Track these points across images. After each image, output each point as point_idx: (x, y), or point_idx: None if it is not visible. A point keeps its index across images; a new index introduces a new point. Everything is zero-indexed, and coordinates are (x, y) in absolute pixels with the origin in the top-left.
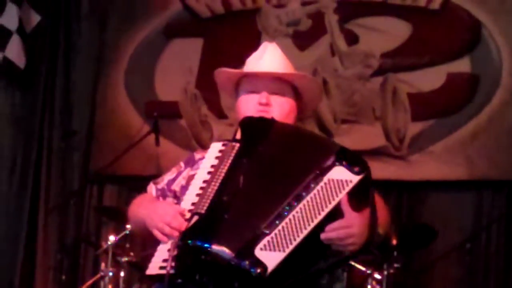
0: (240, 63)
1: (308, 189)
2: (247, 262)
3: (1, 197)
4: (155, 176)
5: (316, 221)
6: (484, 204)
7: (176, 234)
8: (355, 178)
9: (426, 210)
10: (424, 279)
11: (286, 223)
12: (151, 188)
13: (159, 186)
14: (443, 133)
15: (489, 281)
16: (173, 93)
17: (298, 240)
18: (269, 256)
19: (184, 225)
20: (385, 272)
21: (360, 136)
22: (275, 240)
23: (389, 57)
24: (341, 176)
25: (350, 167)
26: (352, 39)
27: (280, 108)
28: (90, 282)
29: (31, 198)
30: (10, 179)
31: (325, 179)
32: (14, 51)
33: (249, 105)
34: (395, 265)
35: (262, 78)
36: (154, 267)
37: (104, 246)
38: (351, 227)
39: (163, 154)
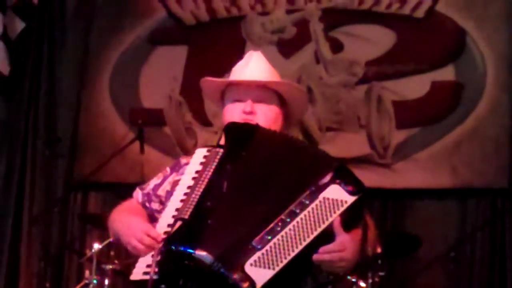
0: (225, 70)
1: (302, 206)
2: (236, 276)
3: None
4: (139, 183)
5: (308, 240)
6: (468, 212)
7: (147, 246)
8: (350, 199)
9: (410, 218)
10: (408, 287)
11: (278, 240)
12: (137, 194)
13: (145, 191)
14: (427, 141)
15: None
16: (158, 100)
17: (289, 258)
18: (259, 272)
19: (155, 242)
20: (370, 280)
21: (344, 144)
22: (266, 257)
23: (374, 65)
24: (337, 196)
25: (346, 187)
26: (337, 47)
27: (265, 116)
28: None
29: (15, 205)
30: None
31: (320, 197)
32: None
33: (234, 114)
34: (380, 273)
35: (246, 87)
36: (138, 273)
37: (89, 253)
38: (343, 251)
39: (147, 161)
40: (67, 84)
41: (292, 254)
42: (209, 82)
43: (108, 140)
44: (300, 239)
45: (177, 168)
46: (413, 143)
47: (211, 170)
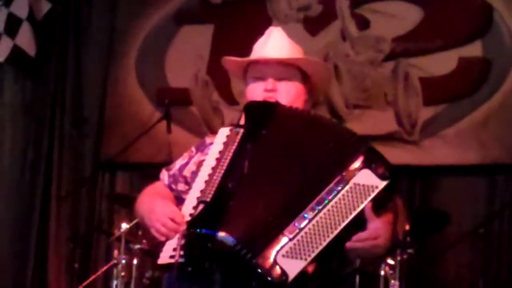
0: (251, 49)
1: (332, 193)
2: (267, 266)
3: (14, 185)
4: (166, 163)
5: (339, 228)
6: (497, 189)
7: (172, 230)
8: (381, 184)
9: (438, 195)
10: (437, 264)
11: (310, 229)
12: (164, 175)
13: (171, 173)
14: (455, 118)
15: (501, 266)
16: (184, 80)
17: (321, 248)
18: (291, 264)
19: (180, 226)
20: (398, 258)
21: (371, 122)
22: (297, 247)
23: (401, 41)
24: (368, 181)
25: (376, 171)
26: (363, 24)
27: (286, 93)
28: (103, 269)
29: (43, 186)
30: (22, 167)
31: (351, 183)
32: (25, 39)
33: (255, 92)
34: (408, 250)
35: (267, 64)
36: (164, 256)
37: (117, 233)
38: (377, 239)
39: (174, 141)
40: (93, 64)
41: (324, 244)
42: (230, 62)
43: (135, 120)
44: (331, 228)
45: (202, 148)
46: (440, 120)
47: (232, 151)
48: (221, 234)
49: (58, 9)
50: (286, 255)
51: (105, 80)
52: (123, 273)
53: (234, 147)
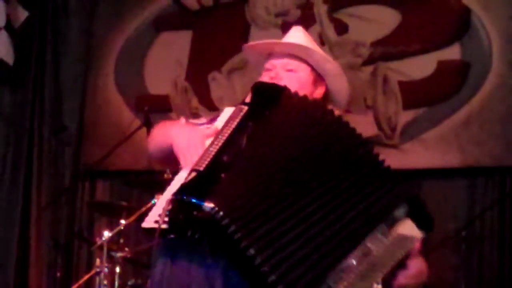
0: (230, 55)
1: (376, 242)
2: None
3: None
4: (146, 171)
5: (379, 279)
6: (478, 191)
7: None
8: (421, 235)
9: None
10: None
11: (352, 279)
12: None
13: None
14: (435, 121)
15: (483, 268)
16: (163, 86)
17: None
18: None
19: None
20: None
21: None
22: None
23: (379, 45)
24: (410, 232)
25: (419, 222)
26: (341, 28)
27: (289, 82)
28: (85, 278)
29: (23, 195)
30: (1, 176)
31: (394, 233)
32: (3, 48)
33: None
34: None
35: (278, 57)
36: (149, 221)
37: (98, 241)
38: (421, 276)
39: None
40: (72, 72)
41: None
42: (253, 47)
43: (115, 128)
44: (372, 277)
45: (213, 120)
46: (420, 123)
47: (233, 126)
48: (208, 205)
49: (36, 17)
50: None
51: (84, 88)
52: (105, 282)
53: (235, 123)
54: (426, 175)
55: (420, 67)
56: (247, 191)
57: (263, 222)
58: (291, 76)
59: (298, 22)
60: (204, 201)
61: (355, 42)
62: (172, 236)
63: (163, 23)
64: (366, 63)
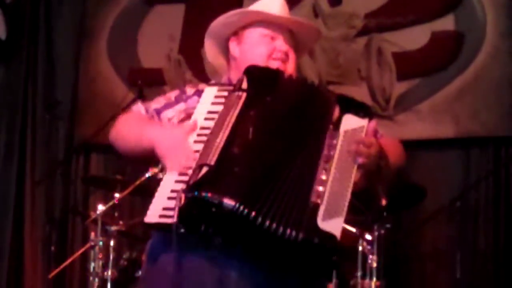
0: None
1: (331, 147)
2: (317, 239)
3: None
4: None
5: (353, 175)
6: (472, 162)
7: (184, 172)
8: (365, 122)
9: (414, 169)
10: (415, 238)
11: (331, 187)
12: (139, 109)
13: (150, 110)
14: (429, 92)
15: (478, 238)
16: (157, 60)
17: (348, 198)
18: (332, 224)
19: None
20: (376, 233)
21: None
22: (330, 208)
23: (373, 17)
24: (353, 124)
25: (356, 113)
26: (335, 0)
27: (293, 65)
28: (80, 252)
29: (17, 170)
30: None
31: (341, 132)
32: None
33: (261, 48)
34: (386, 225)
35: (281, 25)
36: (153, 215)
37: (93, 215)
38: (370, 147)
39: None
40: (65, 47)
41: (349, 194)
42: (237, 15)
43: (108, 102)
44: (348, 177)
45: (184, 98)
46: (414, 94)
47: (235, 115)
48: (228, 201)
49: None
50: (323, 218)
51: (77, 62)
52: (100, 255)
53: (237, 111)
54: (421, 146)
55: (414, 38)
56: (262, 183)
57: (273, 200)
58: (293, 57)
59: None
60: (222, 198)
61: (349, 13)
62: (182, 230)
63: None
64: (359, 34)
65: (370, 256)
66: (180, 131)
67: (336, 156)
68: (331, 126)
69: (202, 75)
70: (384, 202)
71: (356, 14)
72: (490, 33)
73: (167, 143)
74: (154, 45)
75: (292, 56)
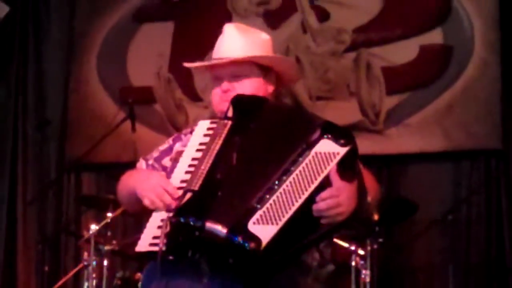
0: (212, 45)
1: (296, 164)
2: (240, 238)
3: None
4: (132, 162)
5: (306, 194)
6: (463, 175)
7: (167, 204)
8: (342, 150)
9: (405, 183)
10: (407, 252)
11: (277, 197)
12: (141, 164)
13: (149, 162)
14: (418, 106)
15: (470, 251)
16: (147, 78)
17: (290, 212)
18: (263, 229)
19: (174, 200)
20: (369, 248)
21: (336, 113)
22: (267, 214)
23: (361, 32)
24: (328, 149)
25: (336, 140)
26: (323, 15)
27: (243, 89)
28: (73, 272)
29: (9, 190)
30: None
31: (313, 152)
32: None
33: (215, 97)
34: (379, 239)
35: (220, 66)
36: (143, 244)
37: (86, 235)
38: (339, 196)
39: (139, 140)
40: (55, 66)
41: (293, 208)
42: (190, 67)
43: (99, 121)
44: (298, 194)
45: (180, 138)
46: (404, 108)
47: (220, 142)
48: (211, 225)
49: (17, 12)
50: (256, 222)
51: (67, 81)
52: (94, 275)
53: (221, 138)
54: (411, 159)
55: (402, 52)
56: (243, 205)
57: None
58: (243, 85)
59: (279, 10)
60: (205, 221)
61: (337, 29)
62: (170, 258)
63: (145, 14)
64: (348, 49)
65: (363, 271)
66: (155, 173)
67: (296, 172)
68: (304, 145)
69: (192, 93)
70: (376, 217)
71: (344, 29)
72: (478, 46)
73: (144, 185)
74: (144, 63)
75: (241, 84)
